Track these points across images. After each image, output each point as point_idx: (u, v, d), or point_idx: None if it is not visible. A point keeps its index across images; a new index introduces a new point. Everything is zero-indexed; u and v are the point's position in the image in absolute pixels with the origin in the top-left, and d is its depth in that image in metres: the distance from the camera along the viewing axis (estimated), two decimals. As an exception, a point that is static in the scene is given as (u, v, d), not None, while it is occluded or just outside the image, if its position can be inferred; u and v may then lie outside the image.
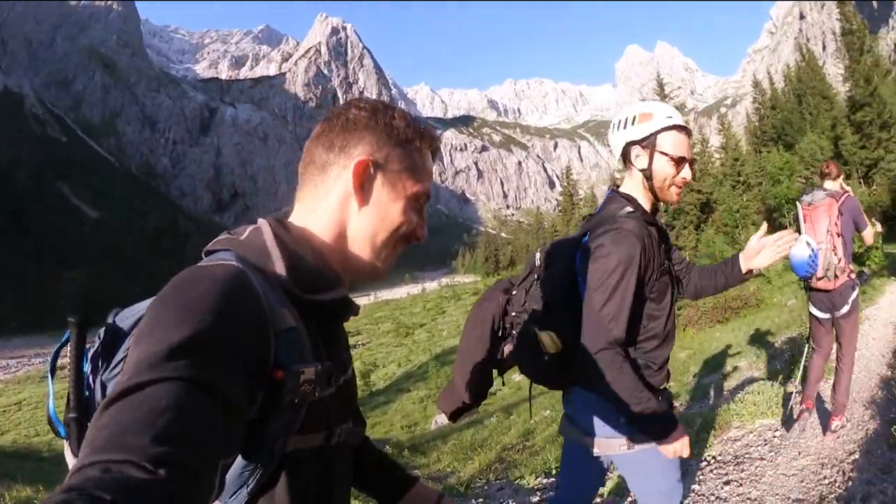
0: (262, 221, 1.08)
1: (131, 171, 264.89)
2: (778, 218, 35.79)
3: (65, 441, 1.00)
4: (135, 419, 0.67)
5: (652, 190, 2.26)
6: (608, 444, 2.23)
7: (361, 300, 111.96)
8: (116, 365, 0.97)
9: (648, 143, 2.23)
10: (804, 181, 35.68)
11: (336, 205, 1.09)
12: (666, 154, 2.21)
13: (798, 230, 5.01)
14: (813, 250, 4.34)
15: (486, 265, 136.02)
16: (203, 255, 1.05)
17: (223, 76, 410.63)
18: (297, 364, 0.92)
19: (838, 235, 4.89)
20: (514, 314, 2.40)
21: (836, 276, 4.91)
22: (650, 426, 2.07)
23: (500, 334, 2.42)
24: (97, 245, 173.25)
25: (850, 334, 5.14)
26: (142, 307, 1.05)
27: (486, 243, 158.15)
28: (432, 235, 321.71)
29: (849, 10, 43.23)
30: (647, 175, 2.24)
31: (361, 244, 1.11)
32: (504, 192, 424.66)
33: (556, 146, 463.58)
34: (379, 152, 1.09)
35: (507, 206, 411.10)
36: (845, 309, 5.00)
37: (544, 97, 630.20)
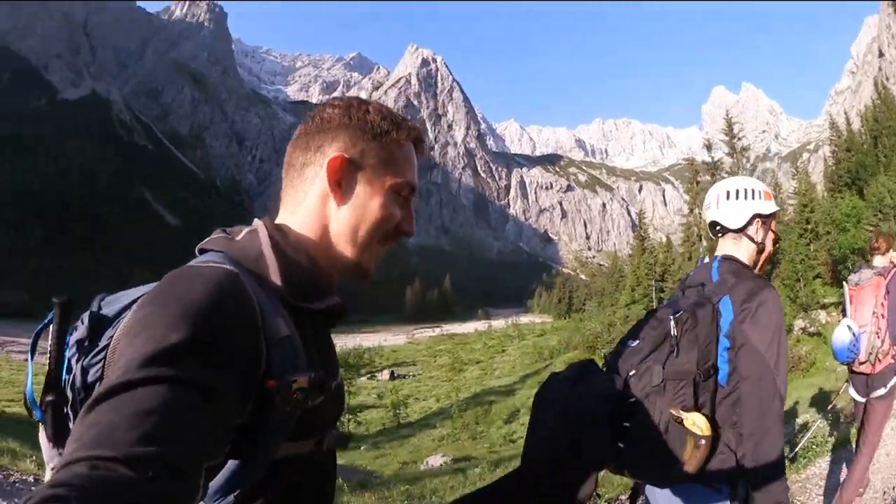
0: (258, 223, 1.08)
1: (216, 184, 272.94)
2: (842, 271, 32.90)
3: (40, 424, 0.98)
4: (124, 418, 0.67)
5: (755, 262, 2.33)
6: None
7: (427, 332, 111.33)
8: (99, 352, 0.94)
9: (769, 220, 2.34)
10: (872, 229, 32.59)
11: (315, 205, 1.08)
12: (774, 233, 2.37)
13: (844, 312, 4.85)
14: (854, 335, 4.46)
15: (559, 306, 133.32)
16: (196, 252, 1.04)
17: (314, 100, 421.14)
18: (290, 373, 0.91)
19: (883, 317, 4.53)
20: (638, 396, 2.01)
21: (878, 360, 4.55)
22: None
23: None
24: (174, 252, 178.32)
25: (880, 419, 4.73)
26: (128, 295, 1.03)
27: (561, 284, 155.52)
28: (511, 272, 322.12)
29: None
30: (761, 249, 2.34)
31: (344, 242, 1.10)
32: (587, 233, 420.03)
33: (640, 189, 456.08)
34: (353, 148, 1.09)
35: (589, 248, 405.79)
36: (880, 392, 4.61)
37: (631, 138, 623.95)
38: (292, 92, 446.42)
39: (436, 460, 15.69)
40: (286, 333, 0.94)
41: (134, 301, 0.99)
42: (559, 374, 1.96)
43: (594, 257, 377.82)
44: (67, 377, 0.96)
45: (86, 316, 1.00)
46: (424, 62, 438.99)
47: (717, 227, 2.41)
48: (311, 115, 1.13)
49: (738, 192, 2.36)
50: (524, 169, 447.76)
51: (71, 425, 0.90)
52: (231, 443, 0.86)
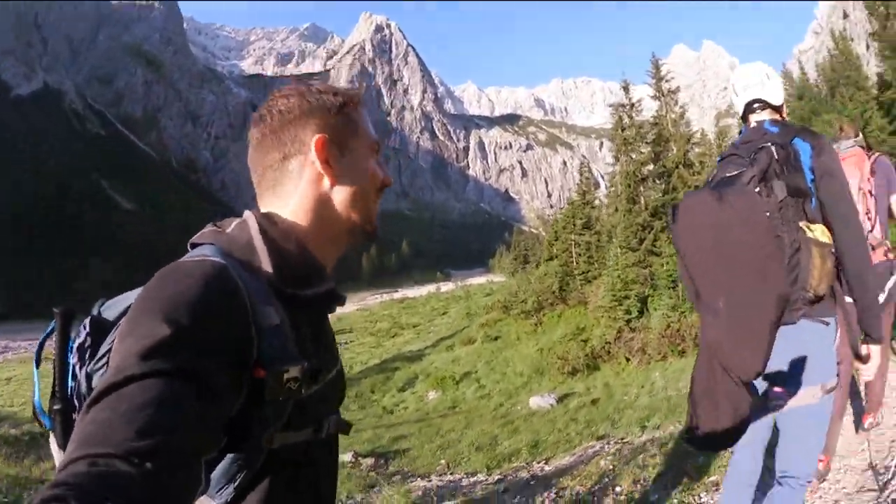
0: (247, 214, 1.09)
1: (171, 164, 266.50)
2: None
3: (50, 433, 1.00)
4: (120, 414, 0.68)
5: None
6: (805, 394, 2.22)
7: (379, 297, 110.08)
8: (102, 356, 0.96)
9: None
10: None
11: (309, 192, 1.10)
12: None
13: None
14: None
15: (514, 264, 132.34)
16: (189, 248, 1.05)
17: (269, 73, 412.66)
18: (281, 363, 0.91)
19: (871, 195, 3.80)
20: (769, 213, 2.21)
21: (871, 250, 3.66)
22: (881, 324, 2.14)
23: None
24: (131, 237, 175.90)
25: (886, 328, 3.75)
26: (128, 297, 1.06)
27: (517, 241, 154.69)
28: (474, 233, 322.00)
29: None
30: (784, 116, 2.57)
31: (349, 212, 1.14)
32: (548, 191, 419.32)
33: (601, 146, 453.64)
34: (327, 127, 1.11)
35: (551, 206, 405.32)
36: (880, 298, 3.67)
37: (592, 96, 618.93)
38: (247, 66, 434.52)
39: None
40: (276, 322, 0.94)
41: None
42: (693, 203, 2.25)
43: (560, 214, 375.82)
44: (73, 385, 0.97)
45: (87, 322, 1.02)
46: (378, 28, 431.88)
47: (756, 105, 2.53)
48: (264, 113, 1.13)
49: (772, 74, 2.55)
50: (483, 130, 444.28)
51: None
52: (227, 434, 0.87)
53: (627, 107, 33.73)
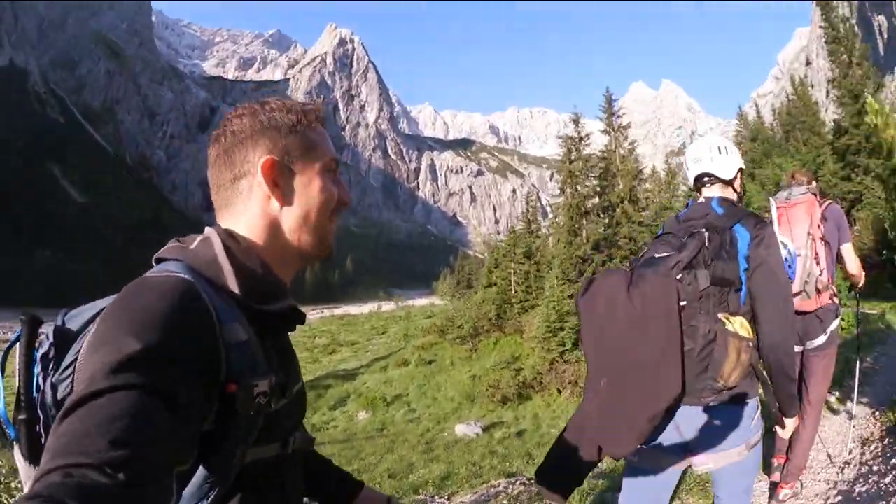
0: (210, 231, 1.09)
1: (125, 160, 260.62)
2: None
3: (15, 444, 0.98)
4: (93, 425, 0.69)
5: None
6: (728, 454, 2.22)
7: (322, 313, 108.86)
8: (67, 367, 0.94)
9: (742, 173, 2.61)
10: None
11: (259, 212, 1.10)
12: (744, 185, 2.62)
13: None
14: (790, 254, 3.80)
15: (457, 287, 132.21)
16: (154, 263, 1.05)
17: (230, 76, 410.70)
18: (250, 377, 0.93)
19: (822, 240, 3.91)
20: (688, 301, 2.23)
21: (817, 293, 3.85)
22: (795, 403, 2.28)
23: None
24: (79, 229, 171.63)
25: (823, 375, 4.02)
26: (91, 308, 1.05)
27: (461, 265, 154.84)
28: (419, 254, 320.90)
29: (834, 15, 36.23)
30: (740, 198, 2.58)
31: (298, 234, 1.13)
32: (496, 217, 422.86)
33: (552, 176, 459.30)
34: (277, 147, 1.11)
35: (498, 232, 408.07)
36: (821, 339, 3.91)
37: (546, 127, 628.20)
38: (209, 67, 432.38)
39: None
40: (244, 338, 0.95)
41: (97, 313, 0.99)
42: (605, 283, 2.27)
43: (502, 241, 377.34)
44: (37, 395, 0.96)
45: (50, 331, 1.00)
46: (342, 42, 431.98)
47: (706, 179, 2.55)
48: (219, 133, 1.14)
49: (726, 147, 2.54)
50: (435, 152, 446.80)
51: (44, 443, 0.87)
52: (199, 449, 0.89)
53: (576, 139, 34.28)
